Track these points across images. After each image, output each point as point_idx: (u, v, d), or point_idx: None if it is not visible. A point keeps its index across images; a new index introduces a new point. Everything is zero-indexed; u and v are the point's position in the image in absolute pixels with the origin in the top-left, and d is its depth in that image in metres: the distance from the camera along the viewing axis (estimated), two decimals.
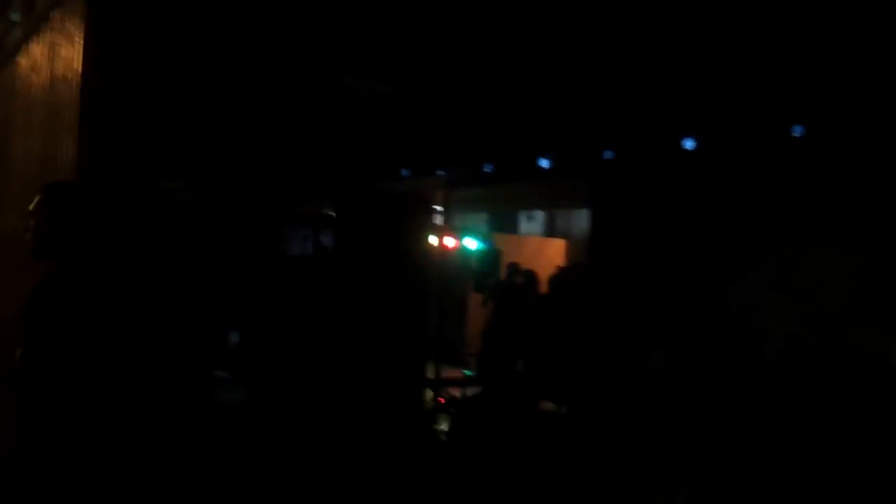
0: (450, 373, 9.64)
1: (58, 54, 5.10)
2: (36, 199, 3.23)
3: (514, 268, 10.30)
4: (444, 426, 8.34)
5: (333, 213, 9.18)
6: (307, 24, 5.69)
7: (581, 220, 12.58)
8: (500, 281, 10.20)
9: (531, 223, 15.13)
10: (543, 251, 12.39)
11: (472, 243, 11.09)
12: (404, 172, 8.17)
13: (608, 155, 6.84)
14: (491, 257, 10.23)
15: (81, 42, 4.59)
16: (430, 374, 9.24)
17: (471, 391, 9.10)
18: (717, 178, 6.74)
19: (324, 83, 6.45)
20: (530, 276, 9.31)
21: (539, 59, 6.10)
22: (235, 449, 6.27)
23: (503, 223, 14.65)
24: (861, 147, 5.67)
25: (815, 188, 6.14)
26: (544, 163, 7.34)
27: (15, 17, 7.53)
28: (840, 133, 5.63)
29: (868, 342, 5.44)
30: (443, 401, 8.97)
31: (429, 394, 9.00)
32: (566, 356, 8.41)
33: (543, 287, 9.24)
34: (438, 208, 10.41)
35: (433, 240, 9.92)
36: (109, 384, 4.56)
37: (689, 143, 6.21)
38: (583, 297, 8.21)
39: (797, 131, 5.54)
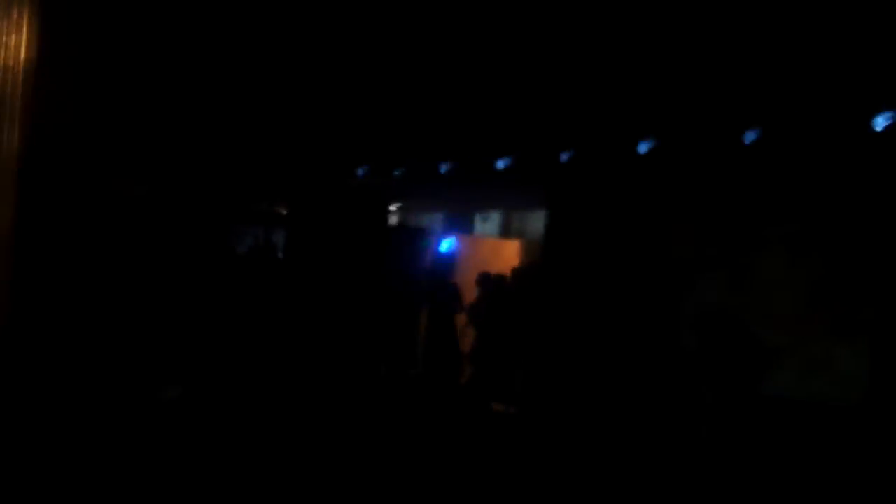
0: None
1: (3, 43, 4.97)
2: None
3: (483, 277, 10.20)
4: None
5: (286, 211, 9.12)
6: (264, 14, 5.62)
7: (537, 221, 12.61)
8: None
9: (486, 224, 15.13)
10: (499, 252, 12.39)
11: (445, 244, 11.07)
12: (360, 171, 8.12)
13: (564, 157, 6.86)
14: (447, 260, 10.23)
15: (27, 30, 4.48)
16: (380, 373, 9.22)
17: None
18: (672, 182, 6.79)
19: (279, 79, 6.38)
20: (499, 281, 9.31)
21: (498, 59, 6.10)
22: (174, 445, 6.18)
23: (458, 224, 14.63)
24: (814, 151, 5.75)
25: (768, 192, 6.21)
26: (501, 164, 7.34)
27: None
28: (793, 138, 5.71)
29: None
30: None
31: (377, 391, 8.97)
32: (517, 356, 8.44)
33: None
34: (393, 208, 10.39)
35: (386, 238, 9.90)
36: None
37: (643, 147, 6.25)
38: (536, 297, 8.23)
39: (750, 137, 5.61)
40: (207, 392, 6.98)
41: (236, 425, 6.53)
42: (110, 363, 5.88)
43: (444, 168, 7.85)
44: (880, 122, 5.20)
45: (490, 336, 8.64)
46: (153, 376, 6.65)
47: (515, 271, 9.57)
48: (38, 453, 4.61)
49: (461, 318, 9.33)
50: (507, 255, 12.26)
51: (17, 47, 4.55)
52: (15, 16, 4.63)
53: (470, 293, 9.58)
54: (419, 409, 8.02)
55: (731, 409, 5.50)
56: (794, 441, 5.64)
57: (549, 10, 5.53)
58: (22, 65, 4.50)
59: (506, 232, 14.70)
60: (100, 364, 5.68)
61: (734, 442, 5.61)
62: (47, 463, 4.61)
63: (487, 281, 9.26)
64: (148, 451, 5.49)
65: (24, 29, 4.47)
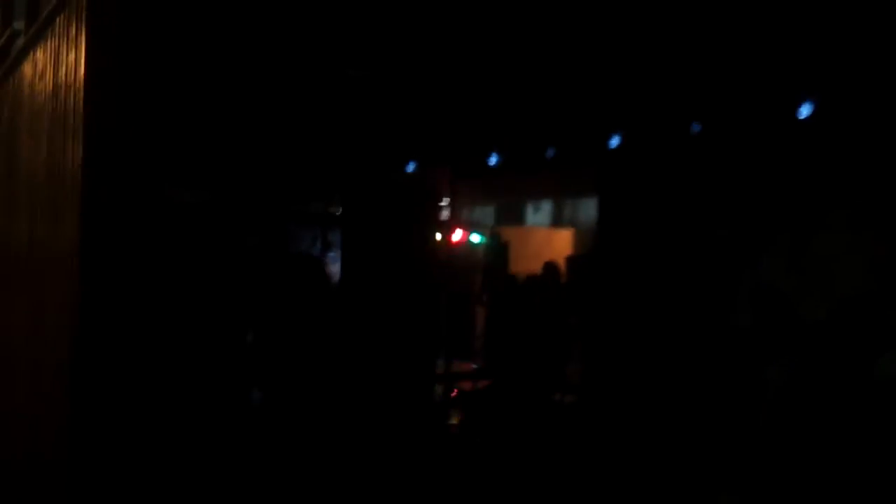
0: (461, 366, 9.66)
1: (61, 60, 5.11)
2: None
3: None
4: (454, 420, 8.37)
5: (340, 211, 9.20)
6: (305, 18, 5.68)
7: (588, 209, 12.56)
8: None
9: (538, 214, 15.11)
10: (551, 242, 12.39)
11: (476, 238, 11.08)
12: (410, 166, 8.17)
13: (614, 141, 6.81)
14: (499, 250, 10.24)
15: (85, 46, 4.59)
16: (441, 368, 9.27)
17: (482, 384, 9.13)
18: (725, 161, 6.71)
19: (325, 76, 6.44)
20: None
21: (540, 47, 6.09)
22: (254, 447, 6.31)
23: (510, 215, 14.64)
24: (870, 127, 5.63)
25: (824, 169, 6.10)
26: (550, 151, 7.32)
27: (19, 25, 7.55)
28: (848, 112, 5.60)
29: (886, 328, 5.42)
30: (455, 393, 8.99)
31: (439, 388, 9.03)
32: (574, 348, 8.42)
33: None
34: (444, 202, 10.43)
35: (439, 234, 9.95)
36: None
37: (695, 127, 6.18)
38: (592, 288, 8.20)
39: (805, 111, 5.50)
40: (285, 396, 7.11)
41: (314, 428, 6.66)
42: (188, 372, 6.02)
43: (493, 159, 7.87)
44: None
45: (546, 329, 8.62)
46: (236, 382, 6.79)
47: (570, 259, 9.54)
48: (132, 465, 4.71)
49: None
50: (559, 245, 12.26)
51: (77, 64, 4.68)
52: (73, 32, 4.77)
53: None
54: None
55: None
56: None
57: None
58: (81, 81, 4.62)
59: (557, 222, 14.68)
60: (178, 374, 5.81)
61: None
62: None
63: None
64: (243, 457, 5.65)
65: (83, 45, 4.58)
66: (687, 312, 6.89)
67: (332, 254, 8.99)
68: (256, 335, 7.55)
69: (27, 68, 6.47)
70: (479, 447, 7.60)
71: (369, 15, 5.77)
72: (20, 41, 6.92)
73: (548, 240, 12.58)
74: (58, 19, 5.33)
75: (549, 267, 9.40)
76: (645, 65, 6.13)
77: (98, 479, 4.54)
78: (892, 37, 4.97)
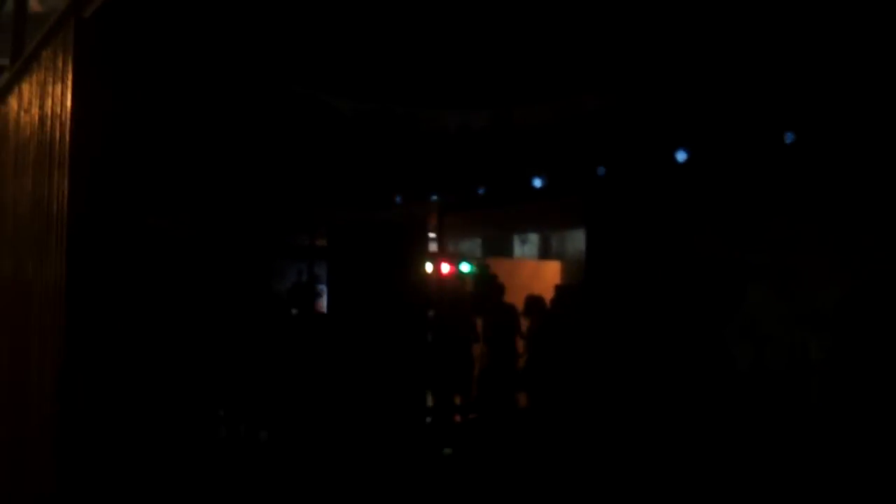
0: (451, 398, 9.59)
1: (48, 92, 5.10)
2: None
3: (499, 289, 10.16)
4: (447, 451, 8.30)
5: (326, 244, 9.19)
6: (292, 48, 5.70)
7: (575, 241, 12.58)
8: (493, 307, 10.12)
9: (526, 246, 15.14)
10: (539, 274, 12.38)
11: (466, 268, 11.07)
12: (397, 198, 8.17)
13: (601, 171, 6.85)
14: (487, 280, 10.21)
15: (72, 78, 4.58)
16: (430, 400, 9.21)
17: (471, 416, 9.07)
18: (711, 188, 6.75)
19: (310, 108, 6.45)
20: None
21: (528, 78, 6.13)
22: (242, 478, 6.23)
23: (498, 247, 14.66)
24: (851, 150, 5.69)
25: (808, 193, 6.15)
26: (537, 183, 7.35)
27: (3, 61, 7.54)
28: (831, 137, 5.66)
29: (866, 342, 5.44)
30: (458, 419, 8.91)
31: (429, 420, 8.96)
32: (565, 376, 8.38)
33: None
34: (432, 235, 10.43)
35: (428, 267, 9.93)
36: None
37: (680, 156, 6.22)
38: (580, 318, 8.18)
39: (789, 138, 5.56)
40: (291, 433, 7.04)
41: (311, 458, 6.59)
42: (174, 404, 5.95)
43: (481, 191, 7.88)
44: None
45: (541, 358, 8.58)
46: (240, 419, 6.72)
47: (560, 289, 9.53)
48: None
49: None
50: (546, 277, 12.25)
51: (63, 96, 4.66)
52: (60, 65, 4.76)
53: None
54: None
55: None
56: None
57: (577, 27, 5.55)
58: (68, 113, 4.60)
59: (545, 254, 14.71)
60: (164, 406, 5.74)
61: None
62: None
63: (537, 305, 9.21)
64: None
65: (69, 78, 4.58)
66: (677, 339, 6.88)
67: (319, 286, 8.97)
68: (242, 366, 7.49)
69: (12, 101, 6.45)
70: (470, 479, 7.52)
71: (356, 51, 5.80)
72: (5, 75, 6.90)
73: (535, 272, 12.58)
74: (44, 53, 5.32)
75: (536, 299, 9.39)
76: (627, 95, 6.18)
77: None
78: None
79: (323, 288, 8.99)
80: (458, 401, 9.52)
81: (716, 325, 6.60)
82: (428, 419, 8.76)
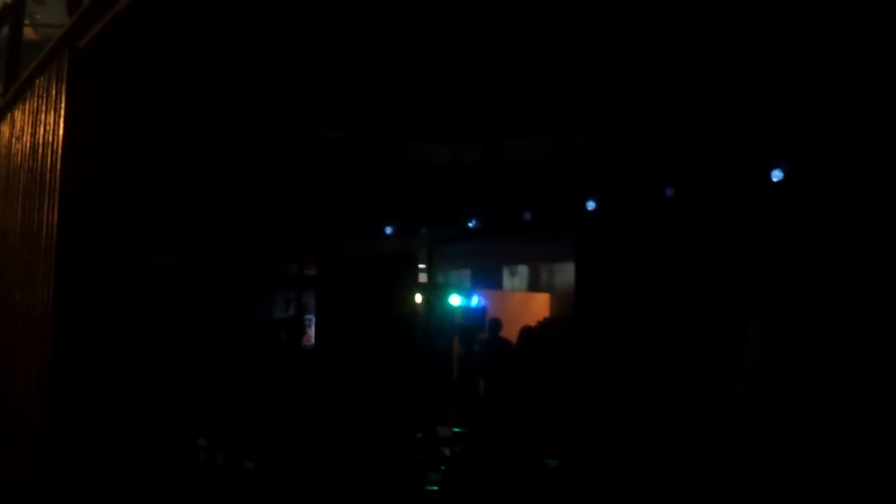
0: (440, 430, 9.55)
1: (40, 120, 5.11)
2: None
3: (496, 323, 10.29)
4: (434, 485, 8.24)
5: (315, 275, 9.18)
6: (286, 79, 5.72)
7: (564, 273, 12.61)
8: (487, 340, 10.17)
9: (515, 278, 15.16)
10: (528, 306, 12.40)
11: (456, 300, 11.07)
12: (387, 230, 8.17)
13: (591, 205, 6.87)
14: (477, 312, 10.24)
15: (64, 108, 4.59)
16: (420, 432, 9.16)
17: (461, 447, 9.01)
18: (701, 223, 6.78)
19: (300, 138, 6.47)
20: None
21: (519, 112, 6.17)
22: None
23: (487, 279, 14.67)
24: (844, 184, 5.73)
25: (800, 229, 6.17)
26: (527, 216, 7.37)
27: None
28: (821, 173, 5.70)
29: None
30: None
31: (418, 453, 8.90)
32: (555, 410, 8.35)
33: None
34: (422, 266, 10.43)
35: (418, 298, 9.93)
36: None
37: (669, 191, 6.26)
38: (568, 351, 8.17)
39: (777, 176, 5.59)
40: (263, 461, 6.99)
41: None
42: (159, 435, 5.91)
43: (471, 223, 7.89)
44: None
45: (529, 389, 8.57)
46: (220, 447, 6.67)
47: (546, 323, 9.55)
48: None
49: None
50: (536, 309, 12.28)
51: (56, 124, 4.67)
52: (53, 93, 4.77)
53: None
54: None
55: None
56: None
57: (563, 57, 5.59)
58: (60, 141, 4.61)
59: (534, 286, 14.73)
60: (148, 434, 5.70)
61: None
62: None
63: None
64: None
65: (62, 107, 4.59)
66: (670, 375, 6.87)
67: (307, 317, 8.95)
68: (228, 398, 7.45)
69: (5, 128, 6.46)
70: None
71: (348, 82, 5.83)
72: None
73: (524, 304, 12.60)
74: (38, 81, 5.34)
75: (526, 331, 9.40)
76: (616, 129, 6.21)
77: None
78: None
79: (311, 319, 8.96)
80: (448, 433, 9.48)
81: (715, 367, 6.58)
82: (416, 455, 8.70)
